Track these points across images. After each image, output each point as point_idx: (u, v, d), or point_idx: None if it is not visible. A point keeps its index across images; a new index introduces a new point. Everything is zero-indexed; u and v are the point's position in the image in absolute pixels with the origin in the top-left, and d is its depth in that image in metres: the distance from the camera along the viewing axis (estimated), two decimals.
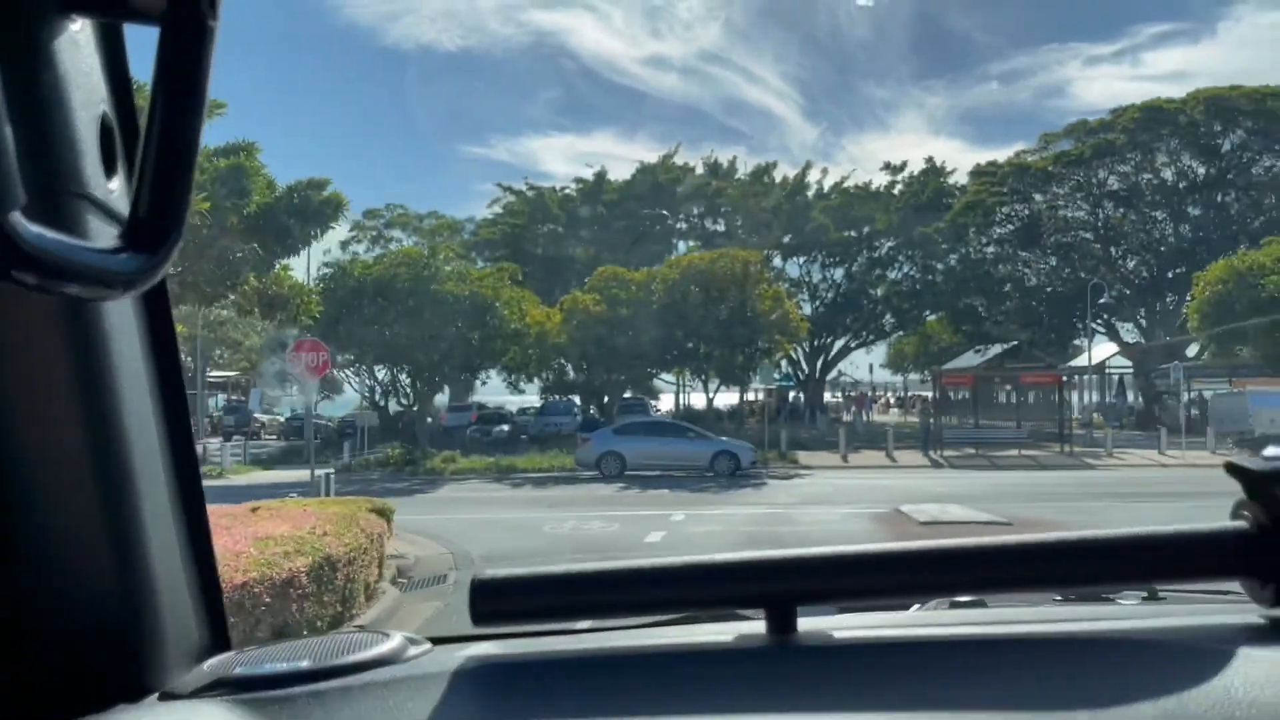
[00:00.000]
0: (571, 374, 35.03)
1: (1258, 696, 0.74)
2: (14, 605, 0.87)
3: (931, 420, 32.98)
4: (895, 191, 49.92)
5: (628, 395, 43.47)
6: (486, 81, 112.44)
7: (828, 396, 57.09)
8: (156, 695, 0.92)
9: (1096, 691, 0.78)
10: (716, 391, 34.71)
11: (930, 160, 51.33)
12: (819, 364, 51.98)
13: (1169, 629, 0.91)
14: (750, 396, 48.06)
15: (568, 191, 54.34)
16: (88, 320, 0.86)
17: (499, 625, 0.95)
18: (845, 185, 50.80)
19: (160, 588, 0.95)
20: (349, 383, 43.15)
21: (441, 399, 50.28)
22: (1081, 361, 45.33)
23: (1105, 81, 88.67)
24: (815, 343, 49.79)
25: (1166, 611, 1.08)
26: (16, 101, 0.56)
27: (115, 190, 0.77)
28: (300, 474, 28.17)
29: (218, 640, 1.05)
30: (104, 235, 0.73)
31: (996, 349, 48.43)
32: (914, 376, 70.77)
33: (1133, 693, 0.77)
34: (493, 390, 46.03)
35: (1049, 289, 49.00)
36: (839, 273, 50.70)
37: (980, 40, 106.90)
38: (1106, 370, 46.34)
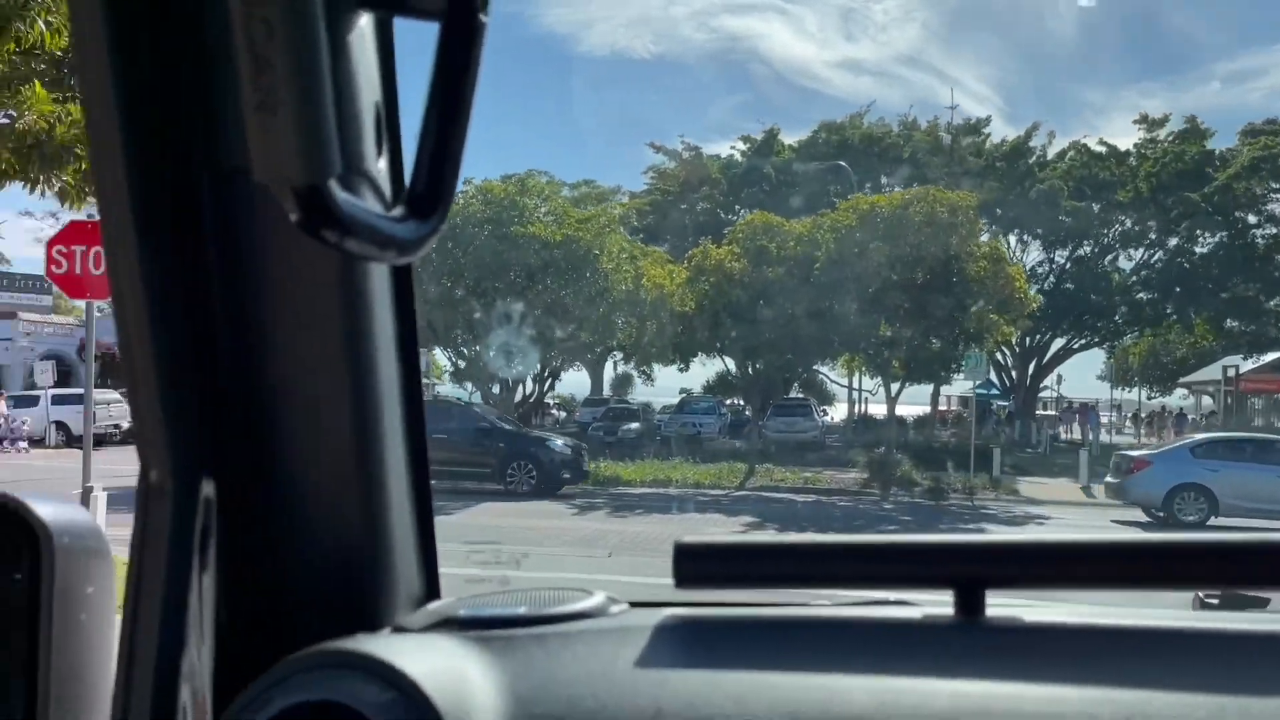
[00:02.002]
0: (700, 356, 26.85)
1: None
2: (277, 544, 0.97)
3: None
4: (1148, 154, 39.22)
5: (796, 394, 35.35)
6: (676, 85, 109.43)
7: (1038, 411, 46.59)
8: (389, 629, 0.99)
9: None
10: (899, 393, 25.81)
11: (1192, 120, 40.33)
12: (1030, 369, 41.96)
13: None
14: (942, 406, 38.90)
15: (732, 154, 46.27)
16: (359, 285, 0.93)
17: (698, 587, 0.97)
18: (1084, 144, 40.51)
19: (394, 536, 1.02)
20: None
21: (571, 389, 43.75)
22: None
23: None
24: (1028, 341, 39.92)
25: None
26: (331, 86, 0.64)
27: (383, 170, 0.84)
28: None
29: (432, 591, 1.10)
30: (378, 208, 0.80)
31: (1270, 356, 37.14)
32: (1126, 395, 58.83)
33: None
34: (656, 386, 38.58)
35: None
36: (1063, 253, 40.61)
37: (1204, 39, 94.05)
38: None
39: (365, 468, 0.98)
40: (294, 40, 0.59)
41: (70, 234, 8.54)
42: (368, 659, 0.82)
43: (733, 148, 46.57)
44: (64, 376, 32.85)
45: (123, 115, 0.80)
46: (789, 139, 44.44)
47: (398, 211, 0.68)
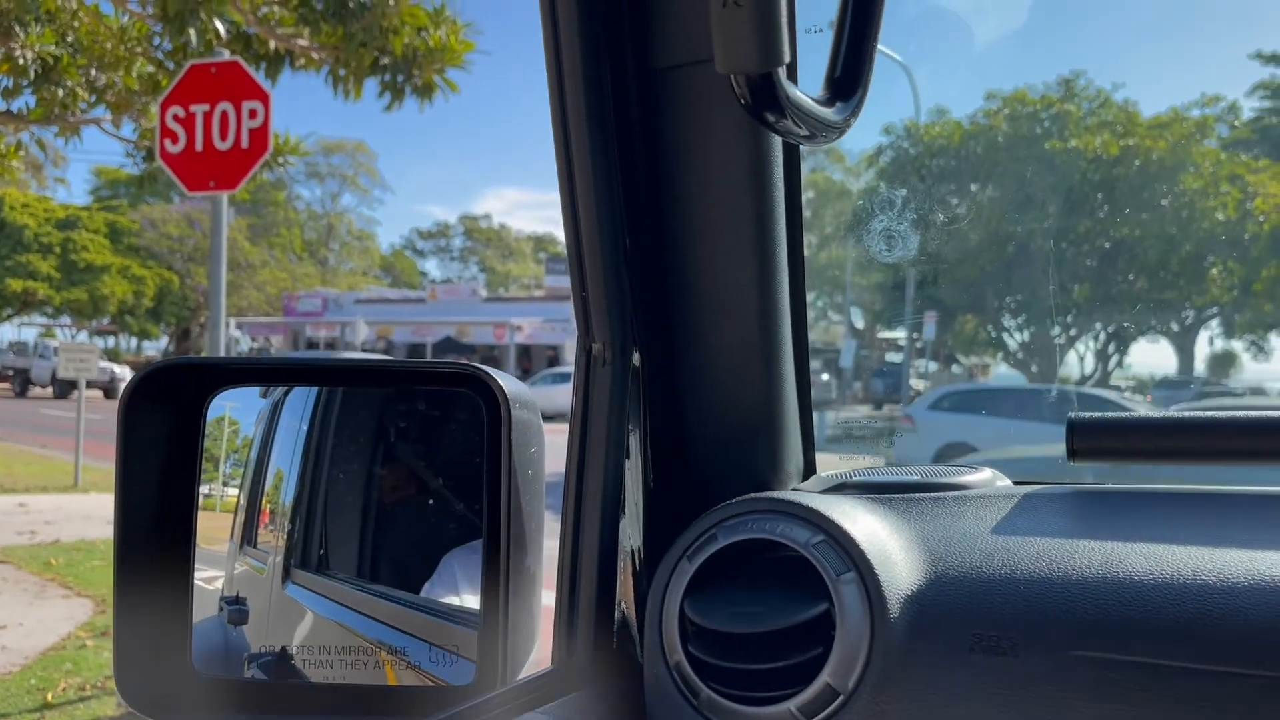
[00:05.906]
0: None
1: None
2: (688, 411, 1.05)
3: None
4: None
5: None
6: None
7: None
8: (790, 489, 1.06)
9: None
10: None
11: None
12: None
13: None
14: None
15: None
16: (764, 176, 0.97)
17: (1091, 460, 1.00)
18: None
19: (785, 412, 1.08)
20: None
21: (1149, 368, 35.03)
22: None
23: None
24: None
25: None
26: None
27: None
28: None
29: (810, 467, 1.16)
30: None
31: None
32: None
33: None
34: (1272, 363, 29.92)
35: None
36: None
37: None
38: None
39: (763, 349, 1.02)
40: None
41: (189, 86, 5.31)
42: (798, 506, 0.90)
43: None
44: None
45: (579, 22, 0.87)
46: None
47: (821, 95, 0.72)
